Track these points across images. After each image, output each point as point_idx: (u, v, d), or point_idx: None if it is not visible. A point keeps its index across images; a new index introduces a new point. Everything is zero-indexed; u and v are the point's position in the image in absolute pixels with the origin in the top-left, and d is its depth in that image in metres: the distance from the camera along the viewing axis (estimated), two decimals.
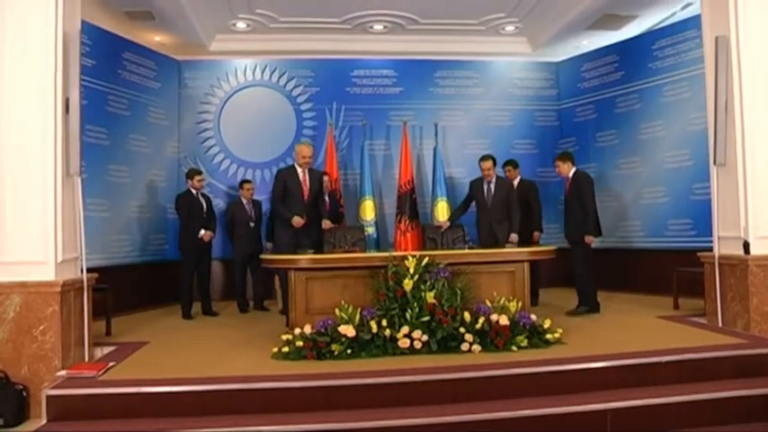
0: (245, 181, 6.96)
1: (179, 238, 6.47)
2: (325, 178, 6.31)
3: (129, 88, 6.96)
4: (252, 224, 6.78)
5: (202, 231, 6.31)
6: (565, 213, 6.07)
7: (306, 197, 5.58)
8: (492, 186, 6.00)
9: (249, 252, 6.62)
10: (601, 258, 7.25)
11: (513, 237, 5.73)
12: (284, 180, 5.59)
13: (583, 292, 5.82)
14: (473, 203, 6.19)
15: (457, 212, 6.31)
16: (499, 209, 5.94)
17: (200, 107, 7.83)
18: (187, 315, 6.21)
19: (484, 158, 6.04)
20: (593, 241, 5.82)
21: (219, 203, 7.45)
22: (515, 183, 6.48)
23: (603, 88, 7.80)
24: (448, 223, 6.17)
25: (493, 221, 5.92)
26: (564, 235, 6.12)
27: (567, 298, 6.49)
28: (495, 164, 6.04)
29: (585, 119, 8.05)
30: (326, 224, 5.67)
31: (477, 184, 6.13)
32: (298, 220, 5.39)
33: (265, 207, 6.92)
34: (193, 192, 6.44)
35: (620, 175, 7.56)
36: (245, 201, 6.83)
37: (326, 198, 6.28)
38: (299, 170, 5.62)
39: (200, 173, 6.56)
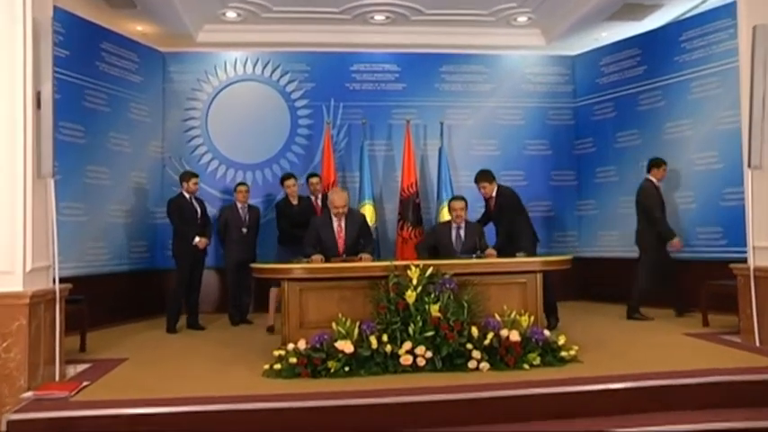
0: (239, 183, 6.92)
1: (172, 246, 6.44)
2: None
3: (109, 82, 6.92)
4: (245, 230, 6.72)
5: (197, 238, 6.28)
6: (497, 231, 5.96)
7: (340, 250, 5.34)
8: (462, 233, 5.62)
9: (241, 259, 6.54)
10: (622, 270, 7.20)
11: (491, 251, 5.36)
12: (317, 230, 5.38)
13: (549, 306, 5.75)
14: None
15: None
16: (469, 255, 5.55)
17: (187, 103, 7.80)
18: (172, 329, 6.16)
19: (456, 198, 5.75)
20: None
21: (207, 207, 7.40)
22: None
23: (624, 84, 7.75)
24: None
25: None
26: (506, 251, 5.58)
27: (585, 309, 6.44)
28: (466, 205, 5.69)
29: (604, 117, 8.00)
30: (366, 258, 5.19)
31: (442, 230, 5.76)
32: (317, 260, 5.13)
33: (263, 212, 6.88)
34: (187, 196, 6.41)
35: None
36: (239, 205, 6.78)
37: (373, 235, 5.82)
38: (335, 219, 5.37)
39: (195, 175, 6.54)
